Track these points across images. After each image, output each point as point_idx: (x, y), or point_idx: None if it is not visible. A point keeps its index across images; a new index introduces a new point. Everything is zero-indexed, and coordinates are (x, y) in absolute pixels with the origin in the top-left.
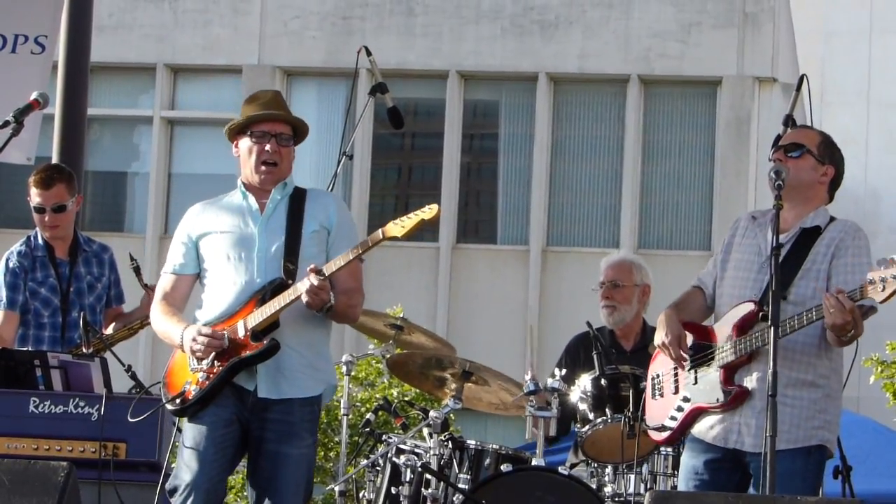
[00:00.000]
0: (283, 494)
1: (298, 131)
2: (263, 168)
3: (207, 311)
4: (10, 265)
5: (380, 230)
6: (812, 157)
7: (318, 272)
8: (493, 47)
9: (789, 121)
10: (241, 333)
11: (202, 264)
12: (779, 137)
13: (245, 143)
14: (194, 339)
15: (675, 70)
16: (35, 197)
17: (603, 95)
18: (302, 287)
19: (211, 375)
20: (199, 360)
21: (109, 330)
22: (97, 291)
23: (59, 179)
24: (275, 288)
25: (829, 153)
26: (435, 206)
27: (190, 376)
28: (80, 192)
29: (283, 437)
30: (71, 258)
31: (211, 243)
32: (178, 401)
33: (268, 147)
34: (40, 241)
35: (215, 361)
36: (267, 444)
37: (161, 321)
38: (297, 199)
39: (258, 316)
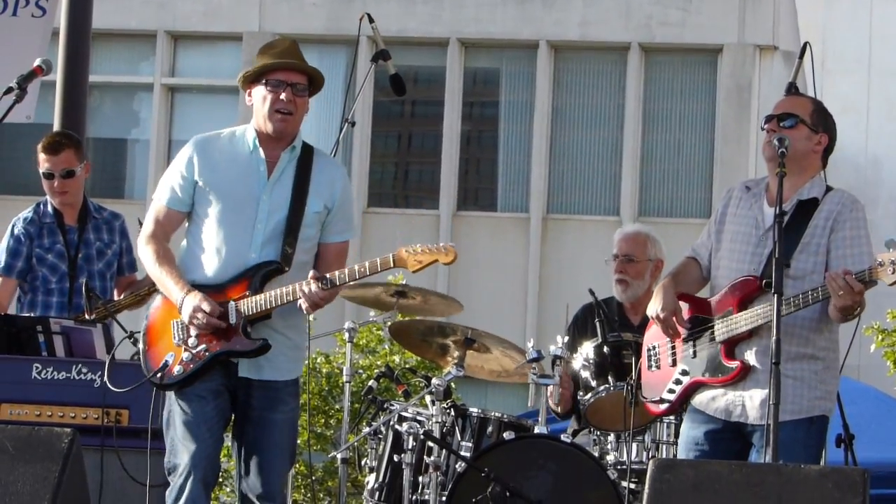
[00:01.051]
0: (269, 457)
1: (314, 82)
2: (278, 116)
3: (193, 269)
4: (15, 231)
5: (392, 256)
6: (806, 127)
7: (320, 279)
8: (493, 14)
9: (792, 88)
10: (232, 319)
11: (195, 207)
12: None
13: (259, 91)
14: (196, 313)
15: (675, 38)
16: (43, 163)
17: (604, 63)
18: (301, 291)
19: (197, 359)
20: (188, 336)
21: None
22: (106, 258)
23: (67, 145)
24: (269, 272)
25: (823, 120)
26: (453, 252)
27: (173, 349)
28: (88, 160)
29: (268, 403)
30: (80, 224)
31: (210, 192)
32: (159, 375)
33: (283, 96)
34: (49, 208)
35: (202, 344)
36: (253, 410)
37: (157, 263)
38: (305, 163)
39: (252, 306)
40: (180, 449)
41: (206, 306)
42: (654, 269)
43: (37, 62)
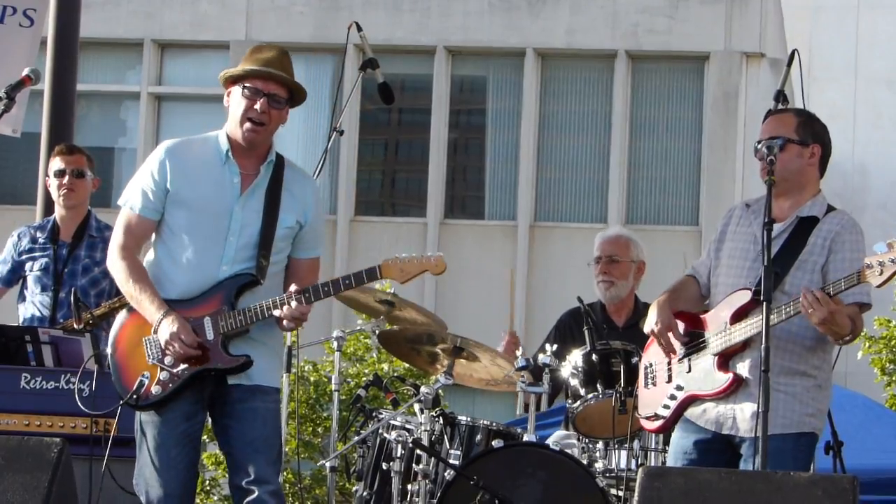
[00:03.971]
0: (254, 445)
1: (295, 96)
2: (248, 125)
3: (163, 283)
4: (11, 241)
5: (378, 267)
6: (794, 145)
7: (302, 292)
8: (480, 23)
9: (780, 96)
10: (209, 335)
11: (164, 216)
12: (769, 113)
13: (237, 93)
14: (173, 341)
15: (662, 45)
16: (58, 163)
17: (591, 71)
18: (282, 309)
19: (175, 379)
20: (164, 355)
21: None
22: (92, 274)
23: (81, 152)
24: (243, 285)
25: (810, 131)
26: (442, 263)
27: (147, 368)
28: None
29: (248, 395)
30: (74, 240)
31: (181, 202)
32: (135, 397)
33: (257, 105)
34: (49, 223)
35: (181, 363)
36: (232, 405)
37: (130, 280)
38: (277, 175)
39: (231, 323)
40: (151, 477)
41: (184, 336)
42: (636, 271)
43: (25, 72)
